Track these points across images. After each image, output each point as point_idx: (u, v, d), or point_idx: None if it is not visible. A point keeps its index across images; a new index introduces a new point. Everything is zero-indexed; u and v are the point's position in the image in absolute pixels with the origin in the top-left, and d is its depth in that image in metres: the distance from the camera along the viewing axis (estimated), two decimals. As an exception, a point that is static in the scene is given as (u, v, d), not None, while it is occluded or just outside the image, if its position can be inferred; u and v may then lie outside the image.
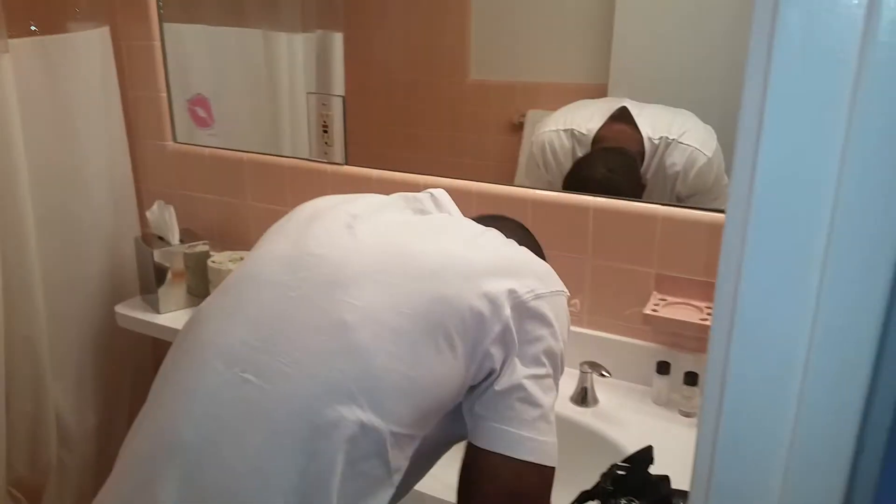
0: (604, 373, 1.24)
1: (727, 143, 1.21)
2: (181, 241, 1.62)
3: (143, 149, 1.84)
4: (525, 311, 0.81)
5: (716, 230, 1.18)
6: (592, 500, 0.93)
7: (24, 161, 1.53)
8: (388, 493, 0.77)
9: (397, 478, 0.78)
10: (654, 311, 1.23)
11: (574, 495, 0.95)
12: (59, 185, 1.67)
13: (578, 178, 1.33)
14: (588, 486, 0.93)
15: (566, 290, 0.89)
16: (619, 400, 1.28)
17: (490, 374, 0.81)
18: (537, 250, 0.99)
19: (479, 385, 0.82)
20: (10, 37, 1.48)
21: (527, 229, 1.07)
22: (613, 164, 1.32)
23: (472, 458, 0.82)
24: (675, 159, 1.26)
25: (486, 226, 0.93)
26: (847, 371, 0.39)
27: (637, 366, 1.30)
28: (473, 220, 0.96)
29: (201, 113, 1.76)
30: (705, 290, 1.23)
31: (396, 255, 0.82)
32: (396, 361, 0.75)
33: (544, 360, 0.83)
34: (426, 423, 0.80)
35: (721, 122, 1.22)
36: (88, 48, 1.67)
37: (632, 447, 0.94)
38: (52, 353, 1.69)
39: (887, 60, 0.33)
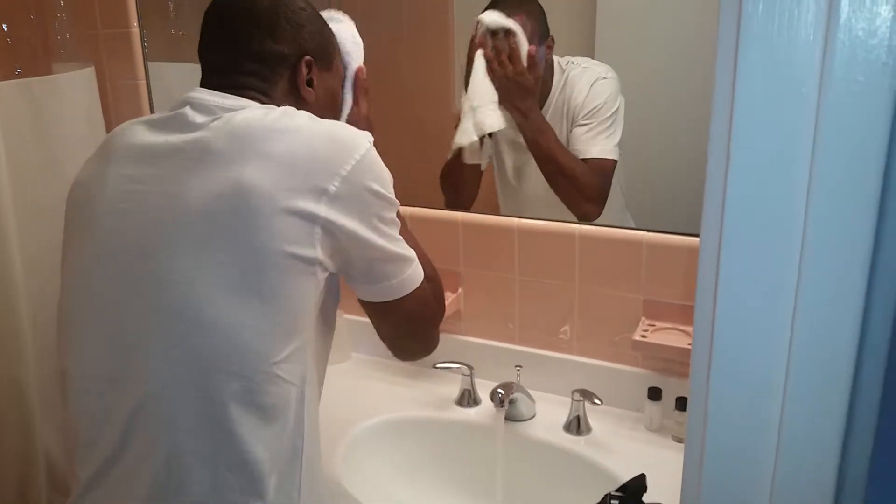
0: (596, 400, 1.23)
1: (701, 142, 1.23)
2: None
3: (130, 187, 1.84)
4: (340, 197, 0.81)
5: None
6: (587, 530, 0.92)
7: (11, 203, 1.53)
8: (295, 395, 0.84)
9: (306, 379, 0.85)
10: (643, 337, 1.23)
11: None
12: (47, 225, 1.66)
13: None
14: (582, 516, 0.93)
15: (367, 137, 0.86)
16: (611, 427, 1.27)
17: (338, 260, 0.84)
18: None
19: (336, 267, 0.86)
20: (-4, 80, 1.49)
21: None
22: None
23: (363, 305, 0.93)
24: (576, 73, 1.34)
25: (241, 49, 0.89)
26: (826, 391, 0.39)
27: (628, 392, 1.30)
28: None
29: (188, 150, 1.76)
30: (693, 316, 1.23)
31: (187, 214, 0.80)
32: (242, 309, 0.78)
33: (380, 223, 0.85)
34: (302, 330, 0.84)
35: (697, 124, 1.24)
36: (74, 88, 1.67)
37: (626, 475, 0.94)
38: (41, 394, 1.67)
39: (844, 92, 0.34)
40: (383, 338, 0.98)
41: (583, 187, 1.33)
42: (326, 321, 0.92)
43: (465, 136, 1.36)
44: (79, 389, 0.87)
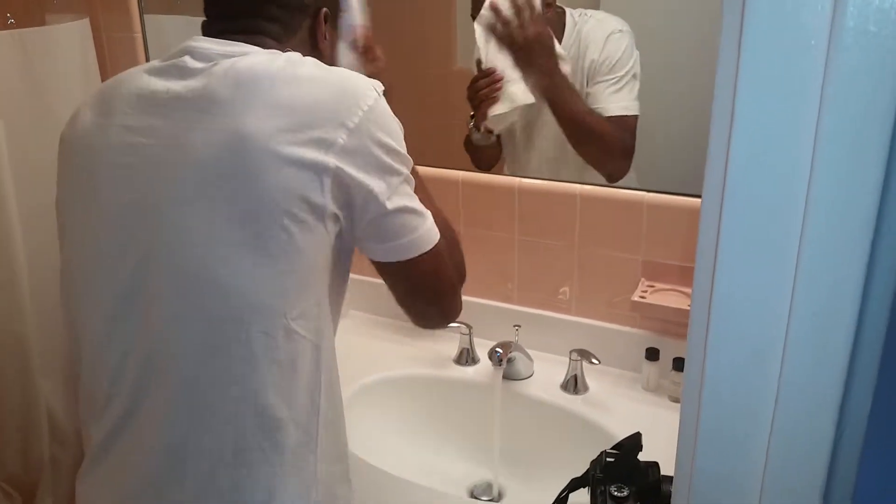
0: (593, 360, 1.24)
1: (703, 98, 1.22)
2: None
3: (127, 142, 1.83)
4: (349, 151, 0.78)
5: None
6: (582, 487, 0.93)
7: (7, 157, 1.52)
8: (313, 350, 0.83)
9: (322, 333, 0.84)
10: (642, 297, 1.23)
11: (564, 483, 0.96)
12: (42, 178, 1.64)
13: None
14: (578, 473, 0.93)
15: (375, 86, 0.83)
16: (609, 387, 1.28)
17: (348, 215, 0.81)
18: None
19: (347, 222, 0.83)
20: (-12, 30, 1.46)
21: None
22: None
23: (376, 267, 0.89)
24: (591, 27, 1.31)
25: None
26: (825, 353, 0.39)
27: (626, 353, 1.30)
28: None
29: (185, 105, 1.73)
30: (692, 277, 1.23)
31: (193, 168, 0.78)
32: (256, 267, 0.77)
33: (391, 177, 0.82)
34: (316, 285, 0.83)
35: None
36: (68, 40, 1.64)
37: (622, 434, 0.94)
38: (41, 348, 1.68)
39: (855, 43, 0.33)
40: (399, 302, 0.94)
41: (610, 147, 1.30)
42: (340, 276, 0.90)
43: (497, 106, 1.34)
44: (92, 348, 0.86)
